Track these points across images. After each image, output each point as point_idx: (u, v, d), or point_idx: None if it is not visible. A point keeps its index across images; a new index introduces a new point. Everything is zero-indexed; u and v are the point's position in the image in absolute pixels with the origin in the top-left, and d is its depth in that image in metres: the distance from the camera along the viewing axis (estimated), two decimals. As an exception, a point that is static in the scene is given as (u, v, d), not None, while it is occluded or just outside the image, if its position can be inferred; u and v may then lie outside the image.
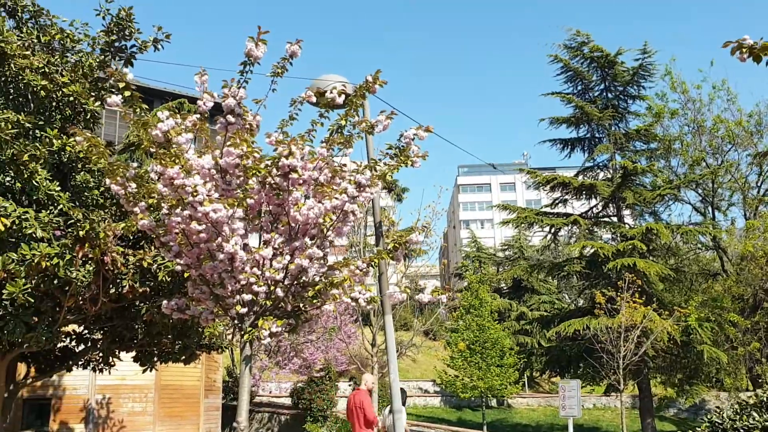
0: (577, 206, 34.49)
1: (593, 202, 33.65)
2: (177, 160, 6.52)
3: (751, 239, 27.58)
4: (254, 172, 6.76)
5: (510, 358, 29.71)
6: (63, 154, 11.24)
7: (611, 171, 33.34)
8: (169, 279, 11.28)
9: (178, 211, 6.67)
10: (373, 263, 7.23)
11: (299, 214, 6.81)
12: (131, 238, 12.45)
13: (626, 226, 31.16)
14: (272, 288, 6.96)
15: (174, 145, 6.53)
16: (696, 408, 44.31)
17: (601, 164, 34.02)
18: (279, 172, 6.84)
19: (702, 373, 27.88)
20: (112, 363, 13.87)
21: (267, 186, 6.96)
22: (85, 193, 11.52)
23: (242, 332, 7.02)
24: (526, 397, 46.14)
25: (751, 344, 27.21)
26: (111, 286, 10.79)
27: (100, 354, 13.48)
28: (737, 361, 27.83)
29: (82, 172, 11.52)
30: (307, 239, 7.05)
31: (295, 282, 7.02)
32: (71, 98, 11.80)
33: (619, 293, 21.93)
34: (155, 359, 13.99)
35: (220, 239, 6.68)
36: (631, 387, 33.15)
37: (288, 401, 29.57)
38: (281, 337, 6.47)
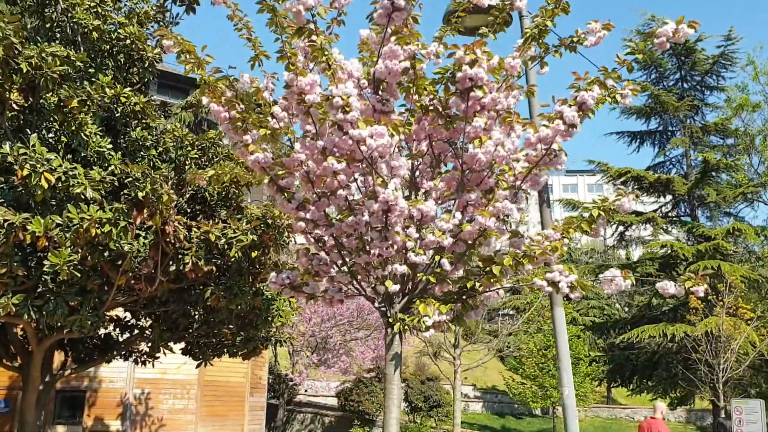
0: (645, 204, 31.98)
1: (662, 200, 31.11)
2: (323, 56, 4.35)
3: None
4: (419, 86, 4.58)
5: (586, 366, 27.24)
6: (116, 106, 9.25)
7: (685, 167, 30.80)
8: (241, 256, 9.29)
9: (314, 135, 4.55)
10: (567, 234, 5.01)
11: (481, 152, 4.62)
12: (188, 210, 10.49)
13: (705, 226, 28.57)
14: (437, 258, 4.78)
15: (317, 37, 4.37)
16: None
17: (674, 159, 31.52)
18: (454, 89, 4.66)
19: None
20: (159, 355, 11.83)
21: (430, 112, 4.79)
22: (141, 153, 9.53)
23: (390, 319, 4.85)
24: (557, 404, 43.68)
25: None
26: (171, 262, 8.95)
27: (149, 344, 11.44)
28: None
29: (138, 129, 9.52)
30: (472, 195, 4.86)
31: (469, 251, 4.83)
32: (127, 42, 9.83)
33: (719, 298, 19.44)
34: (209, 352, 11.95)
35: (372, 182, 4.53)
36: (700, 400, 30.64)
37: (333, 402, 27.50)
38: (445, 325, 4.30)
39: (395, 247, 4.62)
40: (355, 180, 5.04)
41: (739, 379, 19.92)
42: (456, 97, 4.65)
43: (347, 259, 5.04)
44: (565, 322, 6.20)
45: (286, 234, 9.72)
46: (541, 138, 4.61)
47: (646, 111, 30.71)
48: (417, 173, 5.24)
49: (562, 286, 4.78)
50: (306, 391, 29.13)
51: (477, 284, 4.73)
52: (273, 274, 5.38)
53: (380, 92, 4.71)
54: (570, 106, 4.61)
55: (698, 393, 24.36)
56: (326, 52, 4.37)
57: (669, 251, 27.30)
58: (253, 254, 9.50)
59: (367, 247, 4.79)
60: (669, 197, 30.29)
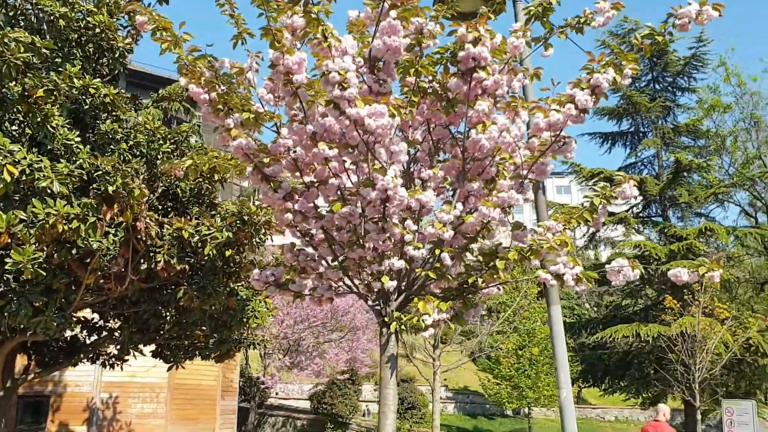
0: (617, 205, 32.05)
1: (633, 200, 31.20)
2: (319, 28, 3.98)
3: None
4: (420, 66, 4.23)
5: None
6: (85, 98, 8.79)
7: (656, 168, 30.93)
8: (216, 254, 8.90)
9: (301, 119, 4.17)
10: (569, 225, 4.70)
11: (485, 138, 4.29)
12: (159, 207, 10.04)
13: (677, 226, 28.67)
14: (437, 252, 4.44)
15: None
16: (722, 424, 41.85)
17: (645, 160, 31.63)
18: (455, 70, 4.33)
19: (759, 389, 25.40)
20: (128, 358, 11.34)
21: (428, 95, 4.45)
22: (111, 147, 9.06)
23: (386, 318, 4.50)
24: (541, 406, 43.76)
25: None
26: (142, 260, 8.51)
27: (118, 346, 10.93)
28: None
29: (108, 121, 9.05)
30: (474, 185, 4.55)
31: (470, 245, 4.51)
32: (97, 31, 9.37)
33: (695, 297, 19.39)
34: (181, 355, 11.48)
35: (367, 169, 4.17)
36: (673, 400, 30.75)
37: (306, 404, 27.04)
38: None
39: (393, 240, 4.27)
40: (346, 170, 4.68)
41: (713, 379, 19.89)
42: (458, 79, 4.31)
43: (338, 254, 4.67)
44: (561, 321, 5.90)
45: (263, 231, 9.34)
46: (552, 123, 4.30)
47: (618, 112, 30.79)
48: (412, 162, 4.89)
49: (567, 279, 4.47)
50: (277, 393, 28.61)
51: (479, 280, 4.40)
52: (256, 271, 5.00)
53: (376, 72, 4.35)
54: (583, 89, 4.30)
55: (670, 393, 24.38)
56: (322, 23, 4.00)
57: (642, 251, 27.33)
58: (227, 252, 9.12)
59: (361, 240, 4.43)
60: (641, 198, 30.37)
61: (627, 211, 30.92)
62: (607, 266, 4.73)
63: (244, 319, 10.42)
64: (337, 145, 4.19)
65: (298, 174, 4.66)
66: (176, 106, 12.59)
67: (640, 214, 30.96)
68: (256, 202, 9.07)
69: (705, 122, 31.09)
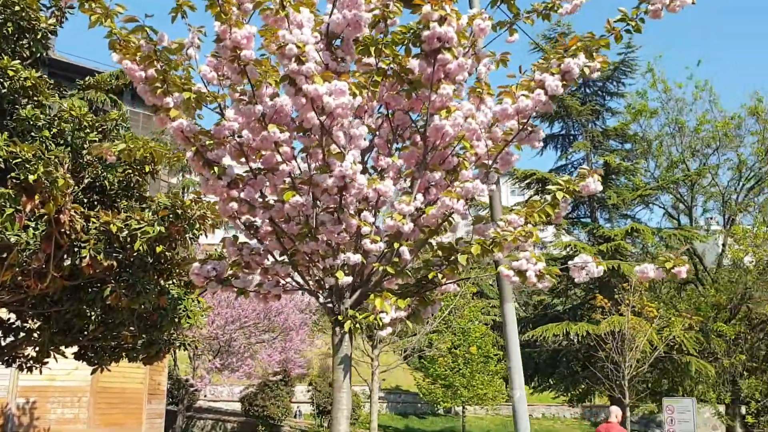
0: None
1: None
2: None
3: (743, 245, 26.16)
4: (379, 46, 3.92)
5: (494, 364, 27.26)
6: (3, 81, 8.16)
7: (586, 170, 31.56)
8: (147, 249, 8.41)
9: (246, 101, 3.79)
10: (531, 219, 4.49)
11: (449, 124, 4.02)
12: (85, 201, 9.45)
13: (605, 227, 29.32)
14: (396, 246, 4.14)
15: None
16: (646, 420, 43.27)
17: (575, 162, 32.20)
18: (418, 51, 4.04)
19: (682, 386, 26.20)
20: (48, 360, 10.62)
21: (389, 77, 4.15)
22: (32, 134, 8.44)
23: (340, 316, 4.17)
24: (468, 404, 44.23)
25: (735, 356, 25.71)
26: (66, 256, 7.94)
27: (36, 348, 10.22)
28: (721, 374, 26.31)
29: (29, 107, 8.41)
30: (436, 174, 4.28)
31: (430, 238, 4.23)
32: (16, 9, 8.71)
33: (625, 296, 19.78)
34: (107, 357, 10.84)
35: (321, 154, 3.83)
36: (599, 397, 31.48)
37: (237, 407, 26.34)
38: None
39: (349, 232, 3.95)
40: (294, 158, 4.32)
41: (640, 376, 20.36)
42: (421, 60, 4.02)
43: (287, 248, 4.32)
44: (515, 319, 5.70)
45: (197, 226, 8.88)
46: (520, 109, 4.06)
47: (551, 115, 31.26)
48: (368, 150, 4.57)
49: (530, 275, 4.25)
50: (206, 396, 27.78)
51: (439, 276, 4.13)
52: (196, 264, 4.59)
53: (333, 49, 4.02)
54: (553, 74, 4.08)
55: (597, 390, 24.87)
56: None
57: (571, 252, 27.81)
58: (158, 248, 8.63)
59: (314, 232, 4.09)
60: (570, 199, 30.88)
61: (557, 212, 31.39)
62: (570, 262, 4.54)
63: (176, 319, 9.91)
64: (289, 128, 3.83)
65: (243, 160, 4.28)
66: (102, 98, 11.93)
67: (570, 216, 31.51)
68: (190, 196, 8.61)
69: (632, 126, 31.91)
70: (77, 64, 19.82)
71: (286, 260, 4.37)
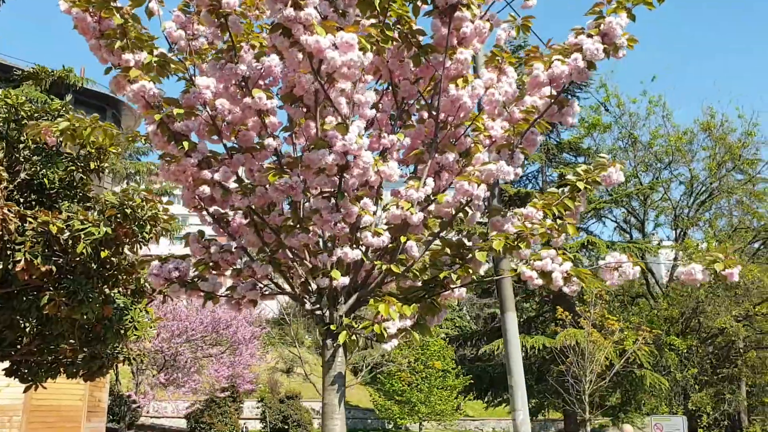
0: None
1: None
2: None
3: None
4: (382, 2, 3.24)
5: (452, 378, 26.61)
6: None
7: (540, 183, 31.43)
8: (91, 253, 7.66)
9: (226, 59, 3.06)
10: (548, 212, 3.85)
11: (466, 95, 3.36)
12: (21, 200, 8.54)
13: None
14: (403, 240, 3.44)
15: None
16: (594, 436, 43.33)
17: (530, 175, 32.04)
18: (431, 8, 3.38)
19: (635, 400, 26.07)
20: (-27, 377, 9.58)
21: (392, 40, 3.45)
22: (-47, 121, 7.58)
23: (330, 325, 3.44)
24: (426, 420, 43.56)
25: (687, 370, 25.73)
26: (-3, 260, 7.08)
27: (-39, 364, 9.18)
28: (673, 388, 26.29)
29: (-50, 90, 7.50)
30: (449, 156, 3.62)
31: (443, 231, 3.55)
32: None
33: (585, 309, 19.44)
34: (42, 373, 9.84)
35: (314, 128, 3.11)
36: (554, 411, 31.16)
37: (182, 423, 25.08)
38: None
39: (349, 221, 3.23)
40: (276, 136, 3.59)
41: (600, 390, 20.04)
42: (435, 18, 3.35)
43: (268, 243, 3.57)
44: (517, 331, 5.04)
45: (148, 228, 8.05)
46: (555, 76, 3.42)
47: (507, 126, 31.08)
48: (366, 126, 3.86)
49: (556, 278, 3.61)
50: (149, 413, 26.41)
51: (453, 276, 3.44)
52: (155, 264, 3.80)
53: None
54: (591, 35, 3.46)
55: (552, 404, 24.52)
56: None
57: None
58: (104, 253, 7.81)
59: (303, 222, 3.36)
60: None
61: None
62: (601, 262, 3.92)
63: (122, 331, 9.01)
64: (278, 94, 3.11)
65: (215, 138, 3.53)
66: (42, 97, 10.98)
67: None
68: (142, 194, 7.78)
69: (586, 140, 31.98)
70: (5, 63, 17.45)
71: (264, 259, 3.62)
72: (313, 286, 3.53)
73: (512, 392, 5.05)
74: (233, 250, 3.89)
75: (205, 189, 3.44)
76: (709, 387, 28.34)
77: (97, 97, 19.34)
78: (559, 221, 3.54)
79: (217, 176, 3.38)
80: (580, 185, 3.98)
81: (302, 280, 3.65)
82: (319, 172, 3.16)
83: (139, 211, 7.63)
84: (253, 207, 3.48)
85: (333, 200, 3.23)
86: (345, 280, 3.38)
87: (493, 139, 3.80)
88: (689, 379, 26.73)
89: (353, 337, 3.39)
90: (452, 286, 3.56)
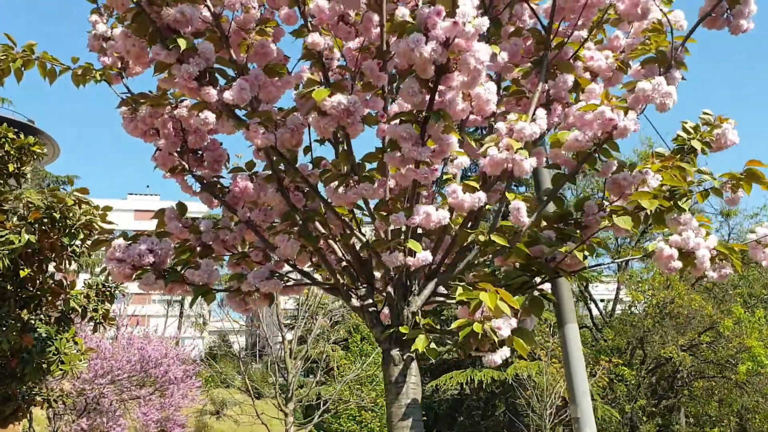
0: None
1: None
2: None
3: (639, 289, 26.14)
4: None
5: None
6: None
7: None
8: (9, 267, 6.65)
9: None
10: (668, 178, 2.78)
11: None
12: None
13: (506, 269, 28.59)
14: (512, 196, 2.31)
15: None
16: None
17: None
18: None
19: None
20: None
21: None
22: None
23: (399, 327, 2.24)
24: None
25: (636, 401, 25.25)
26: None
27: None
28: (623, 419, 25.74)
29: None
30: (568, 77, 2.54)
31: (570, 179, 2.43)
32: None
33: (543, 339, 18.63)
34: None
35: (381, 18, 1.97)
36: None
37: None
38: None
39: (443, 153, 2.08)
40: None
41: (562, 424, 19.16)
42: None
43: (299, 208, 2.37)
44: (581, 348, 3.93)
45: (81, 236, 6.85)
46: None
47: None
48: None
49: (702, 257, 2.53)
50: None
51: (578, 254, 2.33)
52: (118, 243, 2.54)
53: None
54: None
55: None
56: None
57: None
58: (23, 272, 6.66)
59: (357, 168, 2.17)
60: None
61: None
62: (749, 234, 2.87)
63: (44, 365, 7.64)
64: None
65: (224, 43, 2.32)
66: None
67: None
68: (74, 195, 6.45)
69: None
70: None
71: (292, 233, 2.40)
72: (359, 273, 2.32)
73: (578, 428, 3.90)
74: (233, 228, 2.67)
75: (207, 116, 2.21)
76: (653, 418, 28.03)
77: (14, 125, 17.97)
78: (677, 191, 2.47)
79: (228, 95, 2.16)
80: (696, 145, 2.93)
81: (343, 264, 2.46)
82: (395, 77, 2.00)
83: (71, 216, 6.35)
84: (282, 147, 2.27)
85: (420, 127, 2.07)
86: (426, 256, 2.19)
87: (595, 73, 2.74)
88: (637, 411, 26.25)
89: (431, 344, 2.21)
90: (568, 268, 2.44)
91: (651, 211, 2.34)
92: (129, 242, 2.56)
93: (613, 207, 2.43)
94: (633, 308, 27.85)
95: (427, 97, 2.03)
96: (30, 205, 6.36)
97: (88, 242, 6.71)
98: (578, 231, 2.50)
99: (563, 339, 4.04)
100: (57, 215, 6.24)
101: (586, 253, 2.50)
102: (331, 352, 23.78)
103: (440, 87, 2.04)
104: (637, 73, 2.62)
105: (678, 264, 2.59)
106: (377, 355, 23.34)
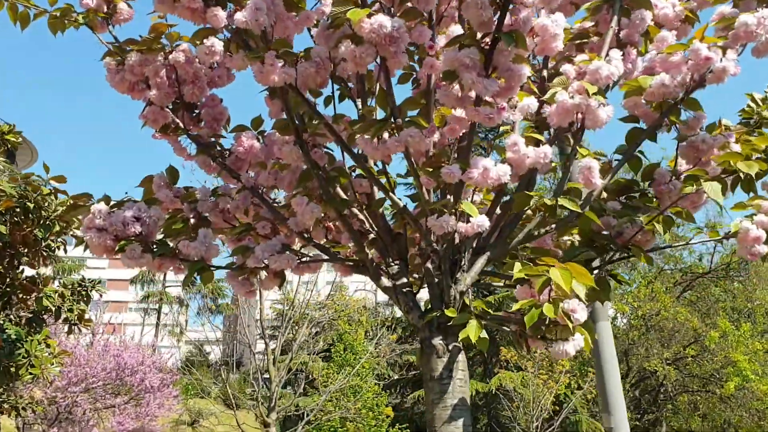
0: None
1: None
2: None
3: (628, 299, 25.91)
4: None
5: (385, 428, 24.54)
6: None
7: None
8: None
9: None
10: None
11: None
12: None
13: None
14: (585, 153, 1.90)
15: None
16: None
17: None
18: None
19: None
20: None
21: None
22: None
23: (449, 310, 1.82)
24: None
25: (623, 414, 25.05)
26: None
27: None
28: (608, 434, 25.50)
29: None
30: (646, 12, 2.14)
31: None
32: None
33: (531, 350, 18.27)
34: None
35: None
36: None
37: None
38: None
39: (508, 94, 1.67)
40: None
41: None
42: None
43: (321, 165, 1.95)
44: (614, 350, 3.50)
45: (57, 229, 6.40)
46: None
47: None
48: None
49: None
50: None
51: (658, 225, 1.93)
52: (98, 208, 2.09)
53: None
54: None
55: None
56: None
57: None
58: None
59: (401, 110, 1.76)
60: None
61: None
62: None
63: (12, 369, 7.15)
64: None
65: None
66: None
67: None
68: (51, 183, 5.98)
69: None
70: None
71: (310, 193, 1.98)
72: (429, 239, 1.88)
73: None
74: (234, 196, 2.23)
75: (213, 44, 1.78)
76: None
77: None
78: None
79: (240, 16, 1.73)
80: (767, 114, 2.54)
81: (371, 235, 2.04)
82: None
83: (46, 206, 5.90)
84: (303, 86, 1.85)
85: (486, 57, 1.65)
86: (483, 221, 1.77)
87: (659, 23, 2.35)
88: (622, 425, 26.00)
89: (480, 330, 1.79)
90: (639, 245, 2.04)
91: (743, 175, 1.94)
92: (112, 209, 2.12)
93: (695, 171, 2.03)
94: (616, 320, 27.68)
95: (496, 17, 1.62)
96: (1, 194, 5.88)
97: (65, 237, 6.27)
98: (654, 200, 2.11)
99: (600, 342, 3.61)
100: (31, 205, 5.81)
101: (658, 227, 2.10)
102: (311, 363, 23.19)
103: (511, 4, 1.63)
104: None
105: (764, 249, 2.20)
106: (360, 368, 22.86)
